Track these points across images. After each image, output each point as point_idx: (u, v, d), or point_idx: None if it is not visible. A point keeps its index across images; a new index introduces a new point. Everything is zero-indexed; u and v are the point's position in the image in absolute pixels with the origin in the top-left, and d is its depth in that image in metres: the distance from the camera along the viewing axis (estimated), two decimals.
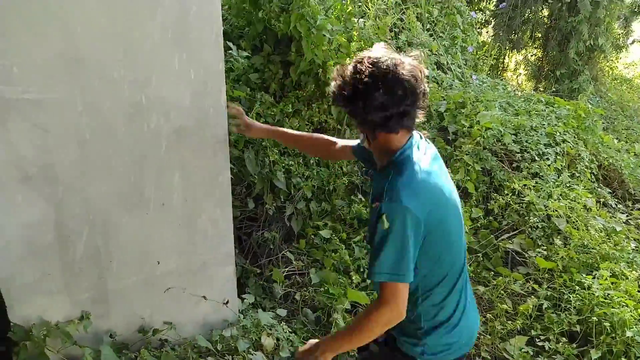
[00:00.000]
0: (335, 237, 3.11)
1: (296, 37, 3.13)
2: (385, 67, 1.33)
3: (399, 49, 3.88)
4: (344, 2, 3.69)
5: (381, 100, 1.33)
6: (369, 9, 3.78)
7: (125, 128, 1.67)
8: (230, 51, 2.77)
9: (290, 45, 3.19)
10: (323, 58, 3.16)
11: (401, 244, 1.31)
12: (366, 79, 1.32)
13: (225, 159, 1.92)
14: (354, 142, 1.85)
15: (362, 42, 3.43)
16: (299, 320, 2.62)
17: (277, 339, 2.31)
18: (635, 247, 3.03)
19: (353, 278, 2.79)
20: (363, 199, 3.37)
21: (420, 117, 1.45)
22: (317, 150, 2.12)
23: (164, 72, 1.67)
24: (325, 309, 2.64)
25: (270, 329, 2.29)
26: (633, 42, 11.58)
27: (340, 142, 1.94)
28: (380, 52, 1.38)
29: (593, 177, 3.58)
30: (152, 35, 1.61)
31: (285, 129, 2.12)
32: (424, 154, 1.44)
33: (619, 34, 8.01)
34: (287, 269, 2.95)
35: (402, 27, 4.01)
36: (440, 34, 4.35)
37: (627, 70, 10.06)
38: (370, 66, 1.34)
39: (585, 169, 3.43)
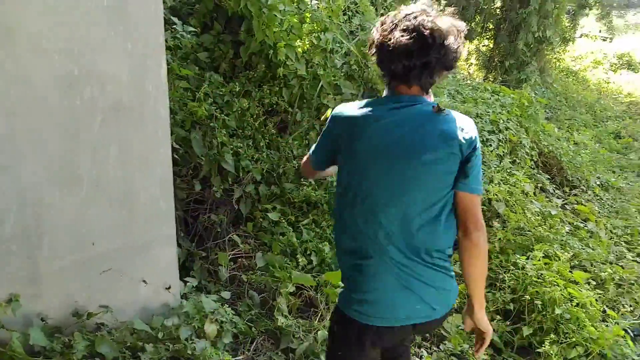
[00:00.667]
0: (284, 220, 3.10)
1: (247, 16, 3.06)
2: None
3: (351, 33, 3.87)
4: None
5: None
6: None
7: (58, 100, 1.59)
8: (175, 26, 2.68)
9: (241, 24, 3.13)
10: (274, 39, 3.11)
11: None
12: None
13: (166, 137, 1.86)
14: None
15: (314, 24, 3.40)
16: (244, 302, 2.60)
17: (221, 323, 2.28)
18: (570, 230, 3.18)
19: (299, 261, 2.79)
20: (313, 182, 3.37)
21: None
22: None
23: (99, 44, 1.60)
24: (270, 292, 2.64)
25: (212, 314, 2.26)
26: (581, 35, 12.08)
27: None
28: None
29: (533, 163, 3.71)
30: (86, 5, 1.53)
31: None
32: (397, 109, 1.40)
33: (567, 27, 8.31)
34: (233, 252, 2.92)
35: (356, 11, 4.00)
36: None
37: (574, 63, 10.49)
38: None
39: (526, 156, 3.55)
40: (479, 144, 1.39)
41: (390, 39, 1.34)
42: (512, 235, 2.79)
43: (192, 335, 2.08)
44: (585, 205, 3.56)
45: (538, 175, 3.58)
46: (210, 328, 2.14)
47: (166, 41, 2.69)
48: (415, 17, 1.34)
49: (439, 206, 1.39)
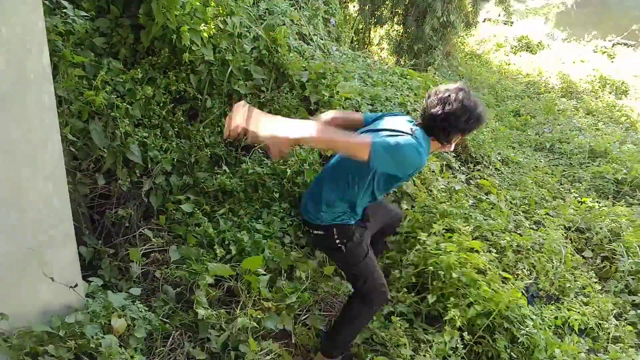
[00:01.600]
0: (199, 211, 3.03)
1: None
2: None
3: (260, 17, 3.82)
4: None
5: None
6: None
7: None
8: (65, 10, 2.49)
9: (139, 7, 2.97)
10: (177, 23, 2.99)
11: None
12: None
13: (54, 128, 1.73)
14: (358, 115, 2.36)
15: (219, 8, 3.31)
16: (159, 298, 2.52)
17: (132, 319, 2.20)
18: (473, 203, 3.38)
19: (217, 252, 2.74)
20: (227, 170, 3.31)
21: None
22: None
23: None
24: (187, 285, 2.57)
25: (122, 310, 2.16)
26: (484, 20, 12.76)
27: (353, 115, 2.37)
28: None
29: None
30: None
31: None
32: None
33: (470, 12, 8.73)
34: (145, 247, 2.81)
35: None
36: (303, 5, 4.37)
37: (478, 47, 11.08)
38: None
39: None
40: (406, 141, 1.90)
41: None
42: (420, 215, 2.92)
43: (98, 332, 1.98)
44: (487, 180, 3.80)
45: (443, 154, 3.76)
46: (118, 323, 2.05)
47: (56, 26, 2.50)
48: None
49: None
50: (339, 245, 2.15)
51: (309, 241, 3.01)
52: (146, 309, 2.31)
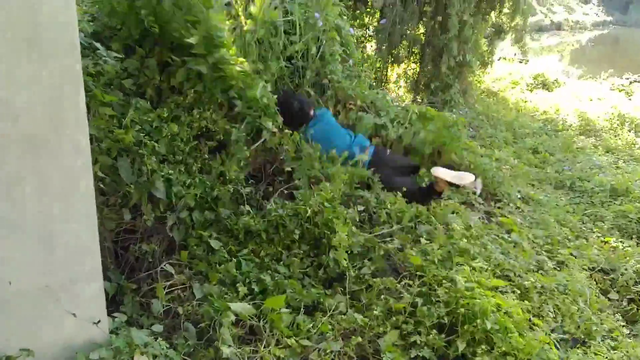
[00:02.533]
0: (223, 250, 3.04)
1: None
2: None
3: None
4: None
5: None
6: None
7: None
8: (98, 51, 2.61)
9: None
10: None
11: None
12: None
13: (87, 168, 1.79)
14: None
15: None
16: (180, 335, 2.51)
17: (154, 357, 2.20)
18: (494, 240, 3.35)
19: (239, 290, 2.74)
20: (251, 211, 3.32)
21: None
22: None
23: (10, 72, 1.53)
24: (210, 323, 2.56)
25: (145, 347, 2.16)
26: (499, 58, 12.90)
27: None
28: None
29: None
30: None
31: None
32: None
33: (486, 51, 8.86)
34: (168, 283, 2.83)
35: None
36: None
37: (494, 84, 11.17)
38: None
39: (464, 188, 3.76)
40: None
41: None
42: (437, 250, 2.89)
43: None
44: (508, 218, 3.78)
45: (462, 189, 3.76)
46: None
47: (87, 68, 2.61)
48: None
49: None
50: None
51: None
52: (167, 346, 2.31)
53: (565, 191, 5.55)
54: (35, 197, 1.69)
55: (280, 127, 3.65)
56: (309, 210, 3.12)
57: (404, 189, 3.46)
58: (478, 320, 2.42)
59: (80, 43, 2.65)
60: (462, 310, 2.51)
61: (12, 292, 1.76)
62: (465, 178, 3.52)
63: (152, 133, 2.98)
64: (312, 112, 3.89)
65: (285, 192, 3.49)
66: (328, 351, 2.50)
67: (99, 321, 2.08)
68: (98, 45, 2.74)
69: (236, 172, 3.43)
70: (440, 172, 3.58)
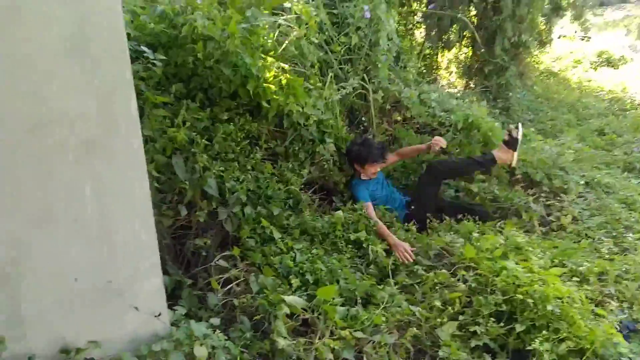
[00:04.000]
0: (280, 241, 3.10)
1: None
2: None
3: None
4: None
5: None
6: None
7: (29, 143, 1.60)
8: (145, 54, 2.71)
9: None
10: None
11: None
12: None
13: (142, 169, 1.87)
14: None
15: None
16: (236, 328, 2.59)
17: (213, 348, 2.27)
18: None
19: (292, 282, 2.78)
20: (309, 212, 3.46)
21: None
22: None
23: (65, 83, 1.62)
24: (266, 315, 2.62)
25: (204, 339, 2.24)
26: (559, 37, 12.25)
27: None
28: None
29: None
30: (49, 46, 1.55)
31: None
32: None
33: (543, 30, 8.42)
34: (222, 277, 2.91)
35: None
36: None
37: (555, 64, 10.63)
38: None
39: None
40: None
41: None
42: (491, 245, 2.81)
43: None
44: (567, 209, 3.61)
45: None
46: (201, 352, 2.13)
47: (138, 72, 2.71)
48: None
49: None
50: None
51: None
52: (225, 338, 2.39)
53: (635, 174, 5.21)
54: (94, 198, 1.78)
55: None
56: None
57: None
58: (539, 306, 2.33)
59: (130, 49, 2.78)
60: (521, 297, 2.42)
61: (78, 288, 1.87)
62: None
63: (204, 133, 3.07)
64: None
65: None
66: (383, 344, 2.49)
67: (160, 314, 2.18)
68: (145, 48, 2.83)
69: (290, 175, 3.50)
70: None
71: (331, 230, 3.26)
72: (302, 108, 3.41)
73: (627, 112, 7.51)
